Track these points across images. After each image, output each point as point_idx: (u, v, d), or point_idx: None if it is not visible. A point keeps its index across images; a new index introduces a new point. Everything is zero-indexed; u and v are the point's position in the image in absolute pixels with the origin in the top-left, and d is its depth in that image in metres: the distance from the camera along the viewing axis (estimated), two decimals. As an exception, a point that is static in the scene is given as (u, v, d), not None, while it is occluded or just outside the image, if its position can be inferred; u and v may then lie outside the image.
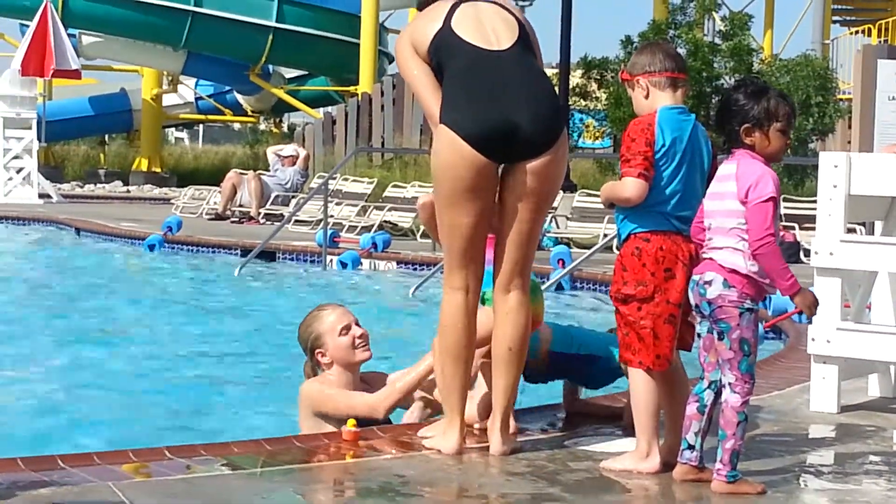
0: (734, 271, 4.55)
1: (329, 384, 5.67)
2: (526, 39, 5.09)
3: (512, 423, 5.27)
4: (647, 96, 4.94)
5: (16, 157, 25.15)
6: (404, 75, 5.21)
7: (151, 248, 16.76)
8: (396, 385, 5.57)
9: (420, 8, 5.29)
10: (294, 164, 21.91)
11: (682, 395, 4.92)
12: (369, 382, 5.74)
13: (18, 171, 25.15)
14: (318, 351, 5.71)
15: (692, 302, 4.68)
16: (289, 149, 22.57)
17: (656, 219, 4.81)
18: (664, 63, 4.94)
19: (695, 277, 4.64)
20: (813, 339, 6.16)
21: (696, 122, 4.94)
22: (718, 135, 4.83)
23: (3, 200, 24.37)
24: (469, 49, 4.99)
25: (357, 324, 5.74)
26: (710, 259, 4.60)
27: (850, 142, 18.25)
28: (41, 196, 25.02)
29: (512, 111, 4.91)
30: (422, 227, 17.35)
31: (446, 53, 5.01)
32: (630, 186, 4.78)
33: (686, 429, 4.65)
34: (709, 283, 4.57)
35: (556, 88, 19.52)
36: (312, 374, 5.83)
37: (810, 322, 6.23)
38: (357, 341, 5.66)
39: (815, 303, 4.58)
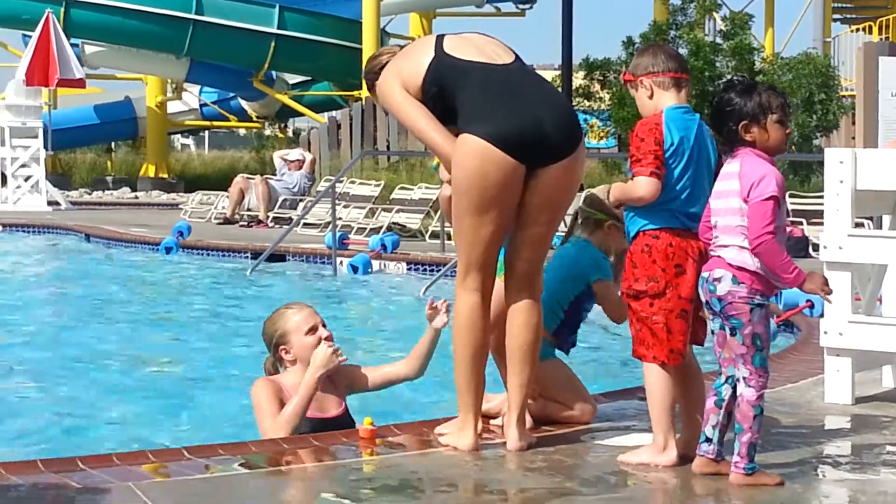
0: (742, 268, 4.57)
1: (285, 386, 5.62)
2: (521, 59, 5.15)
3: (528, 418, 5.31)
4: (651, 97, 4.97)
5: (23, 166, 25.22)
6: (397, 114, 5.15)
7: (168, 250, 16.84)
8: (285, 413, 5.47)
9: (370, 72, 5.29)
10: (300, 168, 21.94)
11: (697, 389, 4.96)
12: (333, 378, 5.68)
13: (26, 180, 25.21)
14: (282, 348, 5.72)
15: (702, 299, 4.71)
16: (295, 153, 22.61)
17: (665, 216, 4.84)
18: (667, 63, 4.97)
19: (704, 274, 4.67)
20: (825, 332, 6.19)
21: (700, 120, 4.98)
22: (717, 138, 4.86)
23: (12, 208, 24.42)
24: (476, 66, 5.03)
25: (323, 325, 5.74)
26: (719, 257, 4.63)
27: (854, 138, 18.28)
28: (50, 203, 25.07)
29: (538, 114, 4.95)
30: (430, 228, 17.40)
31: (450, 77, 5.02)
32: (643, 185, 4.81)
33: (704, 422, 4.68)
34: (718, 279, 4.60)
35: (560, 89, 19.57)
36: (273, 371, 5.82)
37: (822, 315, 6.27)
38: (322, 343, 5.63)
39: (825, 282, 4.60)
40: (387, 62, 5.25)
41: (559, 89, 4.90)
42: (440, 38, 5.13)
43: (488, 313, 5.13)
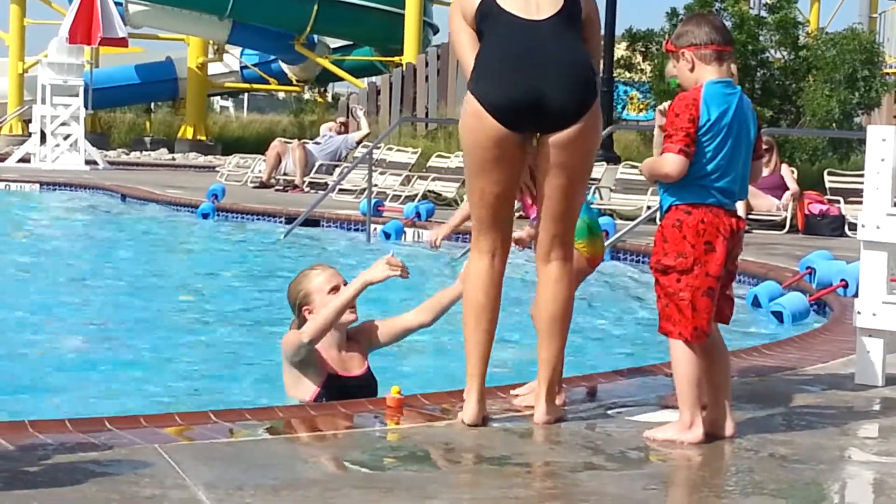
0: None
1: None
2: (570, 10, 5.03)
3: (563, 395, 5.29)
4: (692, 69, 4.93)
5: (63, 124, 25.34)
6: (451, 39, 5.24)
7: (205, 216, 16.83)
8: (316, 317, 5.71)
9: None
10: (345, 131, 21.86)
11: (723, 367, 4.93)
12: (356, 337, 5.93)
13: (66, 138, 25.35)
14: (305, 308, 5.86)
15: None
16: (361, 132, 22.07)
17: (698, 191, 4.81)
18: (711, 35, 4.92)
19: None
20: (859, 313, 6.13)
21: (741, 94, 4.93)
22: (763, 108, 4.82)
23: (51, 167, 24.59)
24: (506, 18, 4.97)
25: (345, 285, 5.84)
26: None
27: (896, 116, 18.14)
28: (88, 162, 25.21)
29: (539, 82, 4.89)
30: (465, 197, 17.39)
31: (486, 22, 5.01)
32: (670, 162, 4.79)
33: None
34: None
35: (602, 61, 19.44)
36: None
37: (856, 295, 6.20)
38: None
39: None
40: None
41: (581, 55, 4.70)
42: None
43: (497, 277, 5.09)
